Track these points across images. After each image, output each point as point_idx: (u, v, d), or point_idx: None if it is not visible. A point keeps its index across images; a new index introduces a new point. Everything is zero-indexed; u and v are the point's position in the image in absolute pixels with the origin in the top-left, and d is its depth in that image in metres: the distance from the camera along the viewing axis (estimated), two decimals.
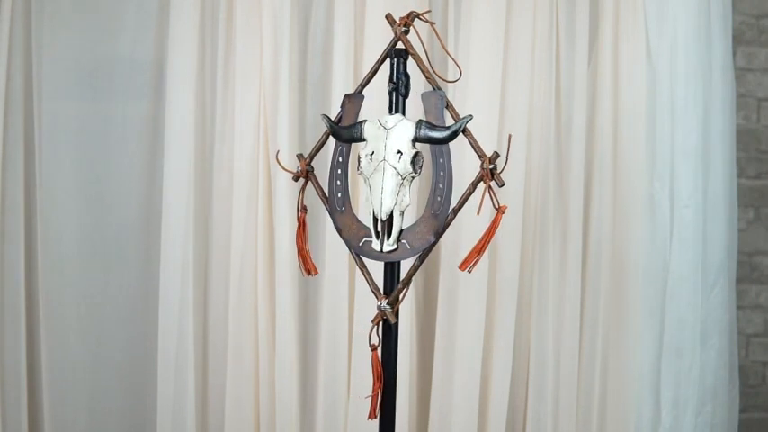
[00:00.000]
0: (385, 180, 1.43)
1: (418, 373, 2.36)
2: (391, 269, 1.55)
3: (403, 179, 1.44)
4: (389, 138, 1.45)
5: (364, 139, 1.48)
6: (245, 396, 2.26)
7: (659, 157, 2.45)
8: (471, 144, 1.49)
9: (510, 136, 1.48)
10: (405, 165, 1.44)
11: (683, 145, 2.46)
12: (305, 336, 2.32)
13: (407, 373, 2.24)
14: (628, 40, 2.38)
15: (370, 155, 1.46)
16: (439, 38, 1.65)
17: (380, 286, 2.24)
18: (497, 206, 1.41)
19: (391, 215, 1.44)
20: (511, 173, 2.32)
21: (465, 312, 2.29)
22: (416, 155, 1.45)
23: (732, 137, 2.57)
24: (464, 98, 2.30)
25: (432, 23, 1.59)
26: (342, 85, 2.23)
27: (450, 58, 2.29)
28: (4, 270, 2.21)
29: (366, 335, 2.22)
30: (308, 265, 1.61)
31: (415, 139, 1.46)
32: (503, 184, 1.43)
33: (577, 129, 2.38)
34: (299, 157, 1.63)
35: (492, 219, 1.41)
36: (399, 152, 1.44)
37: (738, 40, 2.78)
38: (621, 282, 2.41)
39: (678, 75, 2.45)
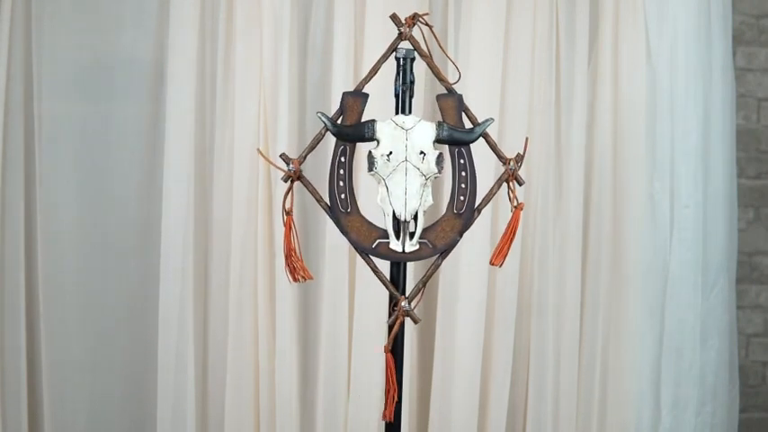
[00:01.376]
0: (408, 181, 1.45)
1: (418, 373, 2.37)
2: (398, 269, 1.55)
3: (426, 179, 1.47)
4: (410, 138, 1.47)
5: (376, 139, 1.48)
6: (245, 395, 2.25)
7: (659, 157, 2.45)
8: (491, 146, 1.56)
9: (527, 138, 1.60)
10: (429, 165, 1.47)
11: (683, 145, 2.46)
12: (305, 335, 2.32)
13: (408, 374, 2.24)
14: (628, 40, 2.39)
15: (388, 155, 1.46)
16: (438, 41, 1.65)
17: (379, 288, 2.25)
18: (516, 204, 1.52)
19: (415, 215, 1.46)
20: None
21: (465, 312, 2.29)
22: (440, 155, 1.48)
23: (732, 137, 2.57)
24: (464, 98, 2.29)
25: (431, 26, 1.58)
26: (342, 85, 2.23)
27: (448, 62, 2.31)
28: (5, 270, 2.21)
29: (366, 334, 2.24)
30: (296, 273, 1.50)
31: (437, 140, 1.49)
32: (523, 183, 1.55)
33: (577, 129, 2.38)
34: (285, 157, 1.51)
35: (512, 215, 1.53)
36: (422, 153, 1.47)
37: (738, 40, 2.78)
38: (621, 282, 2.41)
39: (678, 75, 2.45)
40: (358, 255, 2.22)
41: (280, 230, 2.21)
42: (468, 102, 2.28)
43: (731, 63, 2.57)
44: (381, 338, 2.23)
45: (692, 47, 2.45)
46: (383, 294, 2.22)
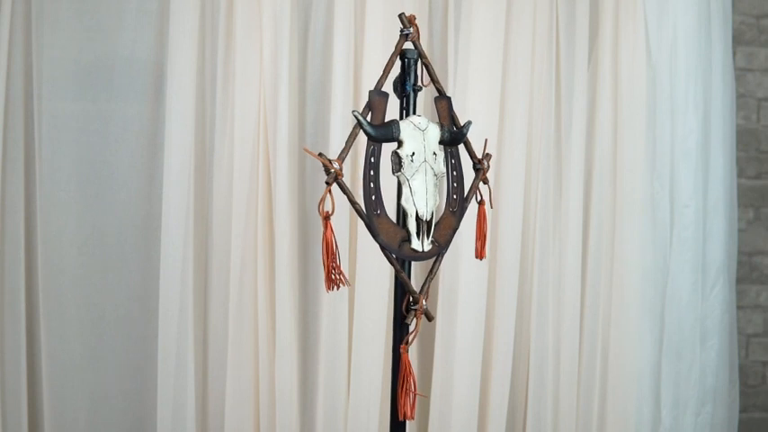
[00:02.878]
0: (428, 180, 1.49)
1: (418, 373, 2.36)
2: (402, 269, 1.56)
3: (437, 179, 1.51)
4: (426, 139, 1.50)
5: (400, 140, 1.48)
6: (245, 396, 2.25)
7: (659, 157, 2.45)
8: (467, 146, 1.63)
9: (486, 140, 1.70)
10: (439, 165, 1.52)
11: (683, 145, 2.47)
12: (305, 335, 2.32)
13: None
14: (628, 40, 2.39)
15: (411, 155, 1.47)
16: (419, 43, 1.64)
17: (378, 288, 2.25)
18: (480, 200, 1.64)
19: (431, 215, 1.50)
20: (511, 173, 2.34)
21: (465, 312, 2.29)
22: (445, 155, 1.54)
23: (732, 137, 2.57)
24: (464, 98, 2.30)
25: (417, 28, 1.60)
26: (342, 85, 2.23)
27: (448, 62, 2.31)
28: (5, 270, 2.20)
29: (366, 334, 2.24)
30: (337, 280, 1.42)
31: (440, 141, 1.53)
32: (487, 182, 1.69)
33: (577, 129, 2.38)
34: (324, 157, 1.40)
35: (478, 211, 1.66)
36: (434, 153, 1.51)
37: (738, 40, 2.78)
38: (621, 281, 2.41)
39: (678, 75, 2.45)
40: (352, 256, 2.26)
41: (280, 230, 2.22)
42: (468, 102, 2.31)
43: (731, 63, 2.58)
44: (381, 338, 2.24)
45: (692, 47, 2.45)
46: (383, 294, 2.24)
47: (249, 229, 2.24)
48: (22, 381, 2.20)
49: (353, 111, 1.44)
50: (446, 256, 2.27)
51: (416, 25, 1.55)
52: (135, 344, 2.30)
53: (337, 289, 1.42)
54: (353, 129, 1.45)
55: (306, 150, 1.44)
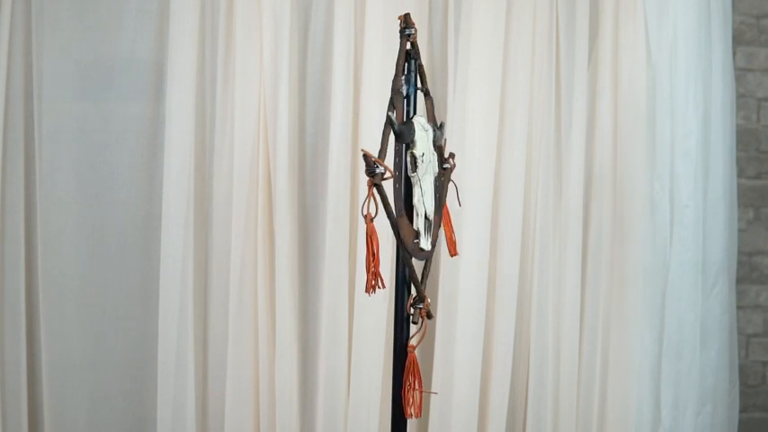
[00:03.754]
0: (431, 180, 1.51)
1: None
2: (403, 268, 1.57)
3: (435, 179, 1.54)
4: (429, 139, 1.52)
5: (414, 140, 1.49)
6: (245, 396, 2.25)
7: (659, 158, 2.45)
8: (438, 147, 1.65)
9: (445, 139, 1.70)
10: (435, 165, 1.54)
11: (683, 145, 2.46)
12: (305, 335, 2.32)
13: None
14: (628, 40, 2.39)
15: (422, 156, 1.48)
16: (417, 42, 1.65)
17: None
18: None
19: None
20: (511, 173, 2.34)
21: (465, 312, 2.29)
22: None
23: (732, 137, 2.57)
24: (464, 99, 2.30)
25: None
26: (342, 85, 2.23)
27: (448, 62, 2.31)
28: (5, 270, 2.20)
29: (366, 334, 2.24)
30: (376, 283, 1.40)
31: (433, 141, 1.55)
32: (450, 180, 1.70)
33: (577, 129, 2.38)
34: (367, 156, 1.35)
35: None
36: (434, 153, 1.54)
37: (738, 40, 2.78)
38: (621, 282, 2.41)
39: (678, 75, 2.45)
40: (352, 255, 2.26)
41: (280, 230, 2.22)
42: (467, 102, 2.31)
43: (731, 63, 2.58)
44: (381, 338, 2.24)
45: (692, 47, 2.45)
46: (383, 294, 2.24)
47: (249, 229, 2.24)
48: (22, 381, 2.20)
49: (388, 111, 1.42)
50: (444, 253, 2.29)
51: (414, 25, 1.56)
52: (135, 344, 2.30)
53: (374, 292, 1.39)
54: (385, 129, 1.43)
55: (363, 151, 1.37)
